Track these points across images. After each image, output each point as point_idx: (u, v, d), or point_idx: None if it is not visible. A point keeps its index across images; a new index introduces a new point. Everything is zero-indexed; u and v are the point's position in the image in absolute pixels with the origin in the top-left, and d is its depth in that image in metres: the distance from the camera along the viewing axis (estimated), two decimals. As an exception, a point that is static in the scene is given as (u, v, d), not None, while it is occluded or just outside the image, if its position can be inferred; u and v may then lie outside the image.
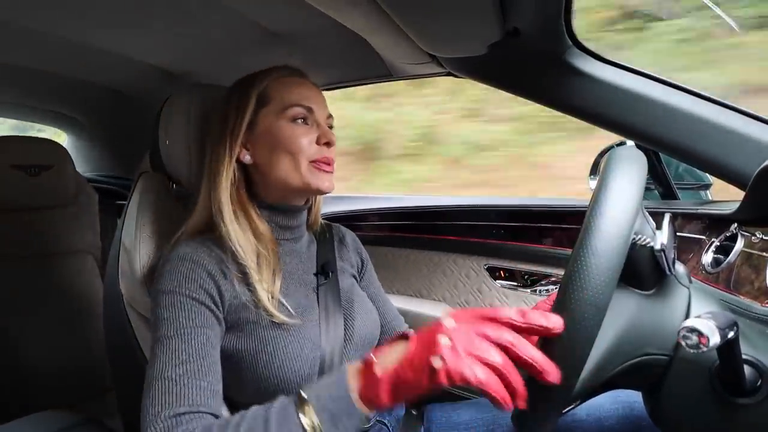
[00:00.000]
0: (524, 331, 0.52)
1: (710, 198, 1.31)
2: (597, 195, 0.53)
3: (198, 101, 0.92)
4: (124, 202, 0.97)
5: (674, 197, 1.28)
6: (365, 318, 0.91)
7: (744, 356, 0.56)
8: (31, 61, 1.32)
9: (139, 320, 0.90)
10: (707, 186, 1.30)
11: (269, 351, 0.75)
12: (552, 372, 0.48)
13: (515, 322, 0.52)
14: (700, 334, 0.47)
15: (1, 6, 0.97)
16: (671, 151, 0.96)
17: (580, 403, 0.68)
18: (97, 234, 1.68)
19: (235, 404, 0.76)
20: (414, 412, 1.02)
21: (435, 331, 0.55)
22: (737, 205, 0.88)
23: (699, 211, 1.02)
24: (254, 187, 0.87)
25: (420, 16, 0.84)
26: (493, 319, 0.53)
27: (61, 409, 1.13)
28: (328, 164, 0.85)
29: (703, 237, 0.97)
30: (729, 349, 0.53)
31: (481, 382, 0.50)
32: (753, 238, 0.82)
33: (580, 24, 0.92)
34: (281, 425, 0.58)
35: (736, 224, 0.88)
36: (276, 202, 0.86)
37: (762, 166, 0.77)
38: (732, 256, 0.83)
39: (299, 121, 0.83)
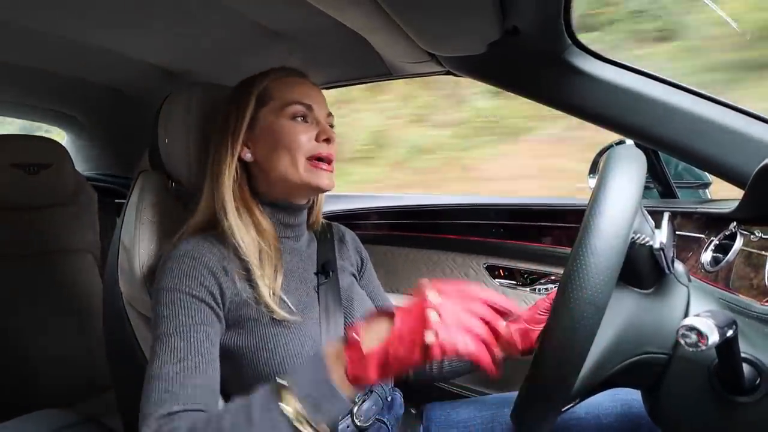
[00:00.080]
0: (495, 310, 0.60)
1: (709, 197, 1.32)
2: (596, 194, 0.53)
3: (197, 100, 0.92)
4: (123, 201, 0.97)
5: (673, 196, 1.28)
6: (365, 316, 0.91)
7: (743, 355, 0.56)
8: (31, 60, 1.32)
9: (138, 318, 0.90)
10: (706, 185, 1.30)
11: (270, 348, 0.75)
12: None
13: (491, 302, 0.60)
14: (699, 332, 0.47)
15: (1, 5, 0.97)
16: (671, 150, 0.96)
17: (579, 402, 0.69)
18: (97, 233, 1.68)
19: (235, 402, 0.76)
20: (413, 411, 1.03)
21: (422, 306, 0.58)
22: (736, 203, 0.88)
23: (698, 209, 1.02)
24: (256, 185, 0.87)
25: (419, 14, 0.84)
26: (472, 296, 0.60)
27: (60, 408, 1.13)
28: (327, 162, 0.85)
29: (702, 236, 0.97)
30: (728, 347, 0.53)
31: (472, 352, 0.56)
32: (752, 236, 0.82)
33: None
34: (263, 414, 0.58)
35: (735, 223, 0.88)
36: (278, 199, 0.87)
37: (761, 164, 0.77)
38: (731, 255, 0.84)
39: (299, 119, 0.84)
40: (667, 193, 1.28)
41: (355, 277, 1.01)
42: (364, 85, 1.52)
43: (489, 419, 0.93)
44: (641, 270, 0.62)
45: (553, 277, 1.31)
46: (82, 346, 1.53)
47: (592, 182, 1.25)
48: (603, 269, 0.49)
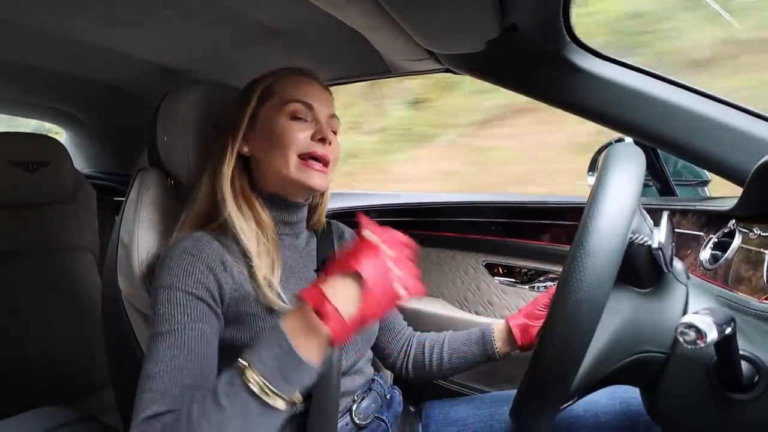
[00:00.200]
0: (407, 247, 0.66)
1: (708, 194, 1.32)
2: (595, 192, 0.53)
3: (196, 97, 0.92)
4: (122, 199, 0.97)
5: (672, 193, 1.28)
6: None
7: (741, 352, 0.56)
8: (31, 58, 1.32)
9: (137, 316, 0.91)
10: (705, 182, 1.30)
11: None
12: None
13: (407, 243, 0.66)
14: (697, 330, 0.47)
15: (2, 4, 0.97)
16: (670, 148, 0.96)
17: (578, 399, 0.69)
18: (96, 231, 1.68)
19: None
20: (412, 409, 1.03)
21: (380, 257, 0.62)
22: (735, 201, 0.88)
23: (697, 207, 1.02)
24: (254, 179, 0.87)
25: (418, 12, 0.84)
26: (398, 239, 0.66)
27: (60, 405, 1.13)
28: (320, 161, 0.84)
29: (701, 233, 0.97)
30: (726, 345, 0.53)
31: (420, 288, 0.63)
32: (751, 234, 0.82)
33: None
34: (231, 397, 0.57)
35: (734, 220, 0.88)
36: (274, 195, 0.86)
37: (760, 162, 0.77)
38: (730, 253, 0.84)
39: (298, 118, 0.84)
40: (666, 190, 1.28)
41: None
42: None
43: (488, 417, 0.93)
44: (640, 269, 0.62)
45: (552, 275, 1.31)
46: (81, 343, 1.53)
47: (591, 180, 1.25)
48: (602, 266, 0.49)
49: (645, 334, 0.62)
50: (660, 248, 0.59)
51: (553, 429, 0.86)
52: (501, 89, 1.05)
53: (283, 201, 0.87)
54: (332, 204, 1.71)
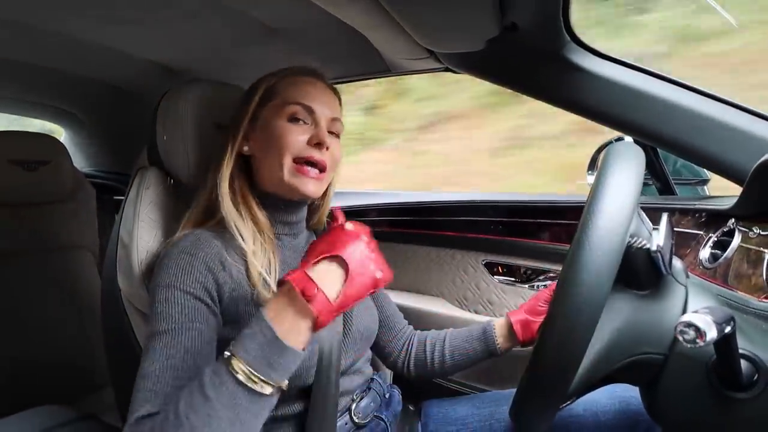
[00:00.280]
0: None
1: (708, 193, 1.32)
2: (594, 191, 0.53)
3: (196, 96, 0.91)
4: (122, 198, 0.97)
5: (672, 193, 1.28)
6: (363, 313, 0.91)
7: (741, 351, 0.56)
8: (32, 57, 1.32)
9: (136, 315, 0.90)
10: (705, 181, 1.30)
11: None
12: None
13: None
14: (697, 329, 0.47)
15: (2, 3, 0.97)
16: (670, 147, 0.96)
17: (577, 399, 0.69)
18: (95, 230, 1.67)
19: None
20: (411, 408, 1.03)
21: (362, 244, 0.67)
22: (735, 200, 0.88)
23: (696, 206, 1.02)
24: (254, 178, 0.87)
25: (418, 11, 0.84)
26: (367, 231, 0.70)
27: (58, 405, 1.13)
28: (318, 168, 0.82)
29: (701, 232, 0.97)
30: (726, 343, 0.53)
31: (391, 275, 0.68)
32: (750, 233, 0.82)
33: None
34: (217, 387, 0.58)
35: (733, 219, 0.88)
36: (274, 195, 0.85)
37: (760, 161, 0.77)
38: (729, 252, 0.84)
39: (298, 120, 0.82)
40: (666, 189, 1.28)
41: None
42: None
43: (487, 416, 0.93)
44: (639, 272, 0.62)
45: (551, 274, 1.31)
46: (81, 342, 1.53)
47: (591, 179, 1.25)
48: (602, 264, 0.49)
49: (644, 336, 0.62)
50: (659, 251, 0.59)
51: (552, 428, 0.86)
52: (442, 96, 1.07)
53: (282, 201, 0.86)
54: (332, 204, 1.71)
